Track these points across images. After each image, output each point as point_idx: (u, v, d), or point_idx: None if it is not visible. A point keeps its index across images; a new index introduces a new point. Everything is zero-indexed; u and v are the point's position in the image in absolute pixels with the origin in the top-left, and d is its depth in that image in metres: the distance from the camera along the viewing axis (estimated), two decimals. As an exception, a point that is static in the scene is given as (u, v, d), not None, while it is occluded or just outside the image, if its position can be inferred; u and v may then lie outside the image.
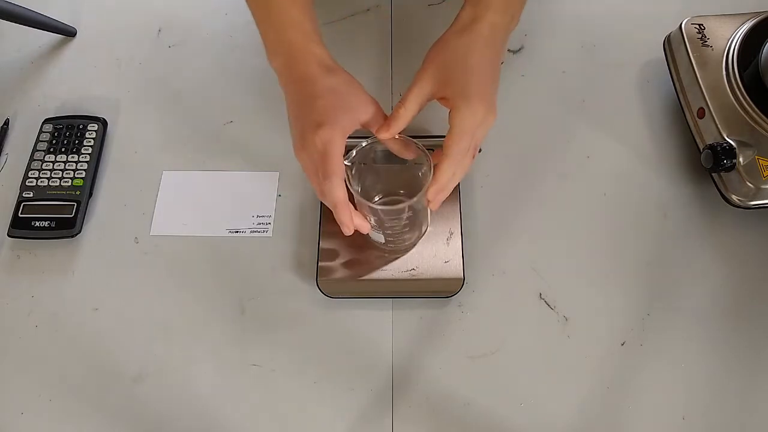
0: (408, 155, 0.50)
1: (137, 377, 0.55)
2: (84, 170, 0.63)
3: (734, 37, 0.60)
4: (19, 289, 0.59)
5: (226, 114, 0.68)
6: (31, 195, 0.62)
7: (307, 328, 0.57)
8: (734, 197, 0.57)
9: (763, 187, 0.55)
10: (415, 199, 0.49)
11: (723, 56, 0.59)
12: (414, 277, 0.57)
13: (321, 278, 0.57)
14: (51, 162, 0.63)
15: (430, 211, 0.56)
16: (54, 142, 0.65)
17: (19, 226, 0.61)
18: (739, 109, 0.57)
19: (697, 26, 0.62)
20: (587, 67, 0.70)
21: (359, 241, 0.58)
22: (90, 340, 0.57)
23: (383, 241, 0.55)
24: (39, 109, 0.69)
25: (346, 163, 0.49)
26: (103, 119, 0.67)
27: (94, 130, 0.65)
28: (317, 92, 0.47)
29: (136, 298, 0.59)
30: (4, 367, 0.56)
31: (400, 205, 0.49)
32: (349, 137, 0.63)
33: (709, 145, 0.57)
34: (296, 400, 0.54)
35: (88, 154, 0.64)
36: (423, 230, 0.58)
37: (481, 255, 0.59)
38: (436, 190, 0.48)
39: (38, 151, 0.64)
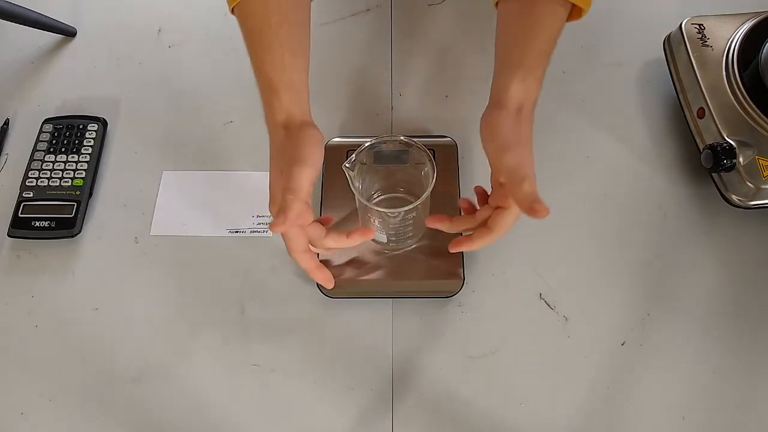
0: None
1: (137, 377, 0.55)
2: (84, 170, 0.63)
3: (734, 37, 0.60)
4: (19, 289, 0.59)
5: (226, 114, 0.68)
6: (31, 195, 0.62)
7: (307, 328, 0.57)
8: (734, 197, 0.57)
9: (763, 187, 0.55)
10: (420, 200, 0.49)
11: (723, 56, 0.59)
12: (414, 277, 0.57)
13: (321, 278, 0.57)
14: (51, 162, 0.63)
15: (429, 209, 0.57)
16: (54, 142, 0.65)
17: (19, 226, 0.61)
18: (739, 109, 0.57)
19: (697, 26, 0.62)
20: (587, 67, 0.70)
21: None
22: (90, 340, 0.57)
23: (386, 240, 0.56)
24: (39, 109, 0.69)
25: (346, 164, 0.49)
26: (103, 119, 0.67)
27: (94, 130, 0.65)
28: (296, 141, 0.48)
29: (136, 298, 0.59)
30: (4, 367, 0.56)
31: (407, 207, 0.49)
32: (350, 137, 0.64)
33: (709, 145, 0.57)
34: (296, 400, 0.54)
35: (88, 154, 0.64)
36: (423, 227, 0.58)
37: (481, 255, 0.59)
38: (468, 247, 0.51)
39: (38, 151, 0.64)
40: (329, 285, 0.55)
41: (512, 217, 0.49)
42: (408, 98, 0.68)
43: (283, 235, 0.49)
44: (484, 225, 0.51)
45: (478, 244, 0.50)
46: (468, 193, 0.62)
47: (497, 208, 0.50)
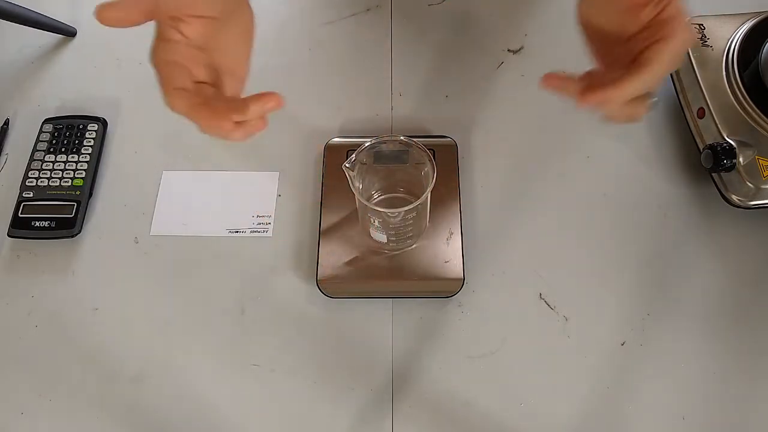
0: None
1: (137, 377, 0.55)
2: (84, 170, 0.63)
3: (734, 37, 0.60)
4: (19, 289, 0.59)
5: (226, 114, 0.68)
6: (31, 195, 0.62)
7: (307, 328, 0.57)
8: (734, 197, 0.57)
9: (763, 187, 0.55)
10: (420, 200, 0.49)
11: (723, 56, 0.59)
12: (414, 277, 0.57)
13: (321, 278, 0.57)
14: (51, 162, 0.63)
15: (429, 209, 0.57)
16: (54, 142, 0.65)
17: (19, 226, 0.60)
18: (739, 109, 0.57)
19: (697, 26, 0.62)
20: (587, 67, 0.69)
21: (359, 240, 0.58)
22: (90, 340, 0.57)
23: (386, 240, 0.56)
24: (39, 109, 0.69)
25: (346, 164, 0.49)
26: (103, 119, 0.67)
27: (94, 130, 0.65)
28: None
29: (136, 298, 0.59)
30: (4, 367, 0.56)
31: (407, 207, 0.49)
32: (350, 137, 0.64)
33: (709, 145, 0.57)
34: (296, 400, 0.54)
35: (88, 154, 0.64)
36: (423, 227, 0.58)
37: (481, 255, 0.59)
38: (612, 95, 0.41)
39: (38, 151, 0.64)
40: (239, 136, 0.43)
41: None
42: (408, 98, 0.68)
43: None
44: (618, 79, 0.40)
45: (628, 86, 0.40)
46: (467, 193, 0.62)
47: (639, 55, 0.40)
